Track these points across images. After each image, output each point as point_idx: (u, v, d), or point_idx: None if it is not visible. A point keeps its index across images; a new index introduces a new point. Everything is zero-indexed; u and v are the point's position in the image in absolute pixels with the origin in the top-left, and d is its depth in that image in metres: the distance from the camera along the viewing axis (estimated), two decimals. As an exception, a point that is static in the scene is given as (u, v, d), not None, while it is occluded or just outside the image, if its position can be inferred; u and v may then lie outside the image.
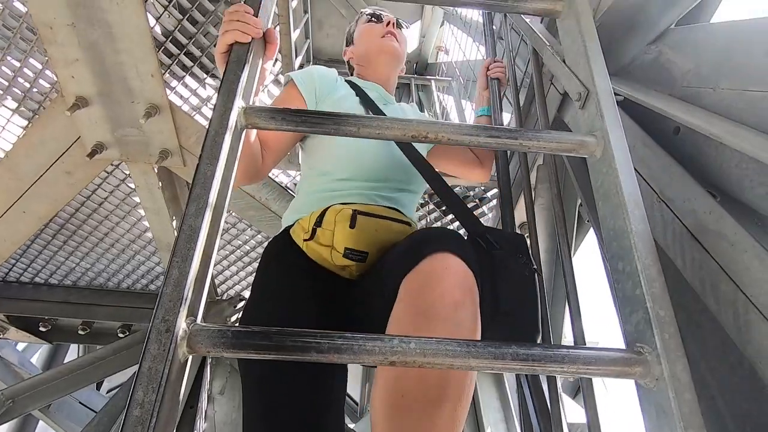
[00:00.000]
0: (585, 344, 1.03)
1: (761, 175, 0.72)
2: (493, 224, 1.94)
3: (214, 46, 1.54)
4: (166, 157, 1.49)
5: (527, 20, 1.25)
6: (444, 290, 0.69)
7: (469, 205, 1.94)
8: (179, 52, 1.51)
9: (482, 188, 1.88)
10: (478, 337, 0.72)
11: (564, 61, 0.97)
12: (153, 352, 0.55)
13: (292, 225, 0.97)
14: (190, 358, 0.61)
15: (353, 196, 0.98)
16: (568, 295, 1.06)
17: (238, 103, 0.78)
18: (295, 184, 1.77)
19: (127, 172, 1.86)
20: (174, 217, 1.81)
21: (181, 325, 0.58)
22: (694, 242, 0.79)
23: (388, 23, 1.22)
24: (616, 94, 1.02)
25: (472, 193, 1.91)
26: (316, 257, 0.90)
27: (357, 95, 1.10)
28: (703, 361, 0.83)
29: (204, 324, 0.60)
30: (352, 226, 0.88)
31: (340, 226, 0.88)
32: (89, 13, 1.19)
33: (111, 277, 2.40)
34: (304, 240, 0.91)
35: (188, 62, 1.54)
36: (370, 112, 1.08)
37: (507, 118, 1.69)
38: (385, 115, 1.10)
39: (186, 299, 0.60)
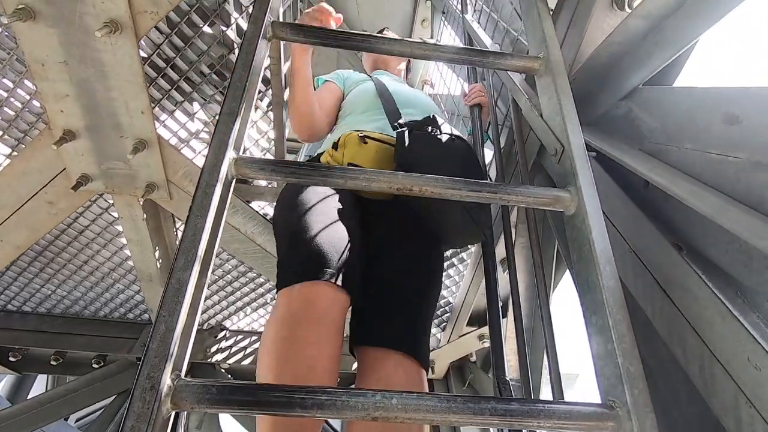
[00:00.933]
0: (561, 387, 1.05)
1: (721, 233, 0.77)
2: (475, 258, 1.98)
3: (205, 81, 1.57)
4: (153, 191, 1.49)
5: (508, 72, 1.32)
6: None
7: (453, 240, 1.98)
8: (170, 87, 1.53)
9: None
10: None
11: (541, 116, 1.02)
12: (137, 411, 0.55)
13: (321, 154, 1.28)
14: (173, 413, 0.61)
15: (362, 124, 1.31)
16: (546, 340, 1.09)
17: (230, 155, 0.80)
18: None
19: (111, 201, 1.85)
20: (157, 248, 1.80)
21: (166, 381, 0.59)
22: (663, 294, 0.83)
23: None
24: (590, 148, 1.08)
25: (455, 227, 1.95)
26: None
27: (371, 80, 1.55)
28: (675, 408, 0.86)
29: (189, 380, 0.60)
30: (357, 146, 1.18)
31: (348, 147, 1.18)
32: (82, 52, 1.21)
33: (88, 306, 2.34)
34: (327, 160, 1.21)
35: (179, 97, 1.57)
36: (386, 88, 1.47)
37: (489, 155, 1.76)
38: (389, 92, 1.46)
39: (172, 355, 0.60)
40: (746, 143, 0.76)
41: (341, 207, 1.04)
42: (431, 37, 4.00)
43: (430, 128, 1.19)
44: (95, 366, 2.36)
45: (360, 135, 1.19)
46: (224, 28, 1.42)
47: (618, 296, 0.72)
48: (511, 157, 1.55)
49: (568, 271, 1.59)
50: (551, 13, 1.24)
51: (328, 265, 0.90)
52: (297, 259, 0.93)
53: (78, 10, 1.15)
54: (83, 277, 2.17)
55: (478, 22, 1.98)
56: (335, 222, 0.99)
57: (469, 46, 1.15)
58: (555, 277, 1.55)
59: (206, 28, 1.43)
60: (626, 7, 1.10)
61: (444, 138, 1.17)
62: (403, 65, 1.90)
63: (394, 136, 1.19)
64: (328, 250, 0.92)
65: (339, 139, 1.22)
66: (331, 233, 0.96)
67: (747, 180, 0.75)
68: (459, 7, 2.40)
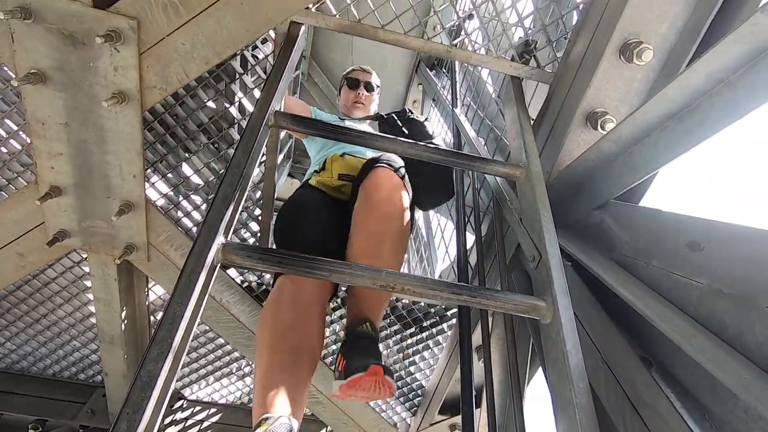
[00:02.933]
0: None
1: (686, 356, 0.80)
2: (451, 342, 1.96)
3: (202, 150, 1.62)
4: (131, 252, 1.47)
5: (491, 169, 1.41)
6: (381, 187, 1.27)
7: (429, 322, 1.97)
8: (165, 153, 1.57)
9: (443, 306, 1.93)
10: (408, 214, 1.31)
11: (521, 220, 1.08)
12: None
13: (309, 179, 1.59)
14: None
15: (339, 150, 1.65)
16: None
17: (219, 240, 0.81)
18: (260, 284, 1.76)
19: (84, 256, 1.80)
20: (125, 308, 1.73)
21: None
22: (633, 412, 0.84)
23: (358, 93, 2.02)
24: (566, 254, 1.13)
25: (432, 309, 1.95)
26: (322, 185, 1.51)
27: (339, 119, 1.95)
28: None
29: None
30: (341, 161, 1.56)
31: (335, 164, 1.56)
32: (85, 117, 1.25)
33: (36, 362, 2.18)
34: (315, 175, 1.56)
35: (173, 161, 1.60)
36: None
37: (471, 239, 1.81)
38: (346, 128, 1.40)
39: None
40: (707, 271, 0.82)
41: (318, 211, 1.37)
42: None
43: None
44: (31, 432, 2.14)
45: (340, 154, 1.59)
46: (227, 105, 1.50)
47: (590, 415, 0.73)
48: (491, 249, 1.60)
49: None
50: (532, 123, 1.36)
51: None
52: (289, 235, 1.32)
53: (89, 80, 1.20)
54: (38, 331, 2.05)
55: (466, 116, 2.14)
56: (316, 224, 1.32)
57: (458, 151, 1.24)
58: (530, 371, 1.53)
59: (210, 103, 1.51)
60: (599, 127, 1.21)
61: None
62: (372, 107, 2.14)
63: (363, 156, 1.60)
64: (314, 249, 1.23)
65: (324, 162, 1.58)
66: (312, 234, 1.29)
67: (709, 305, 0.80)
68: (449, 98, 2.59)
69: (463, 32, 1.50)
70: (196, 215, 1.72)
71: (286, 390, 0.95)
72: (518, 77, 1.36)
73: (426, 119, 1.92)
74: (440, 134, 2.11)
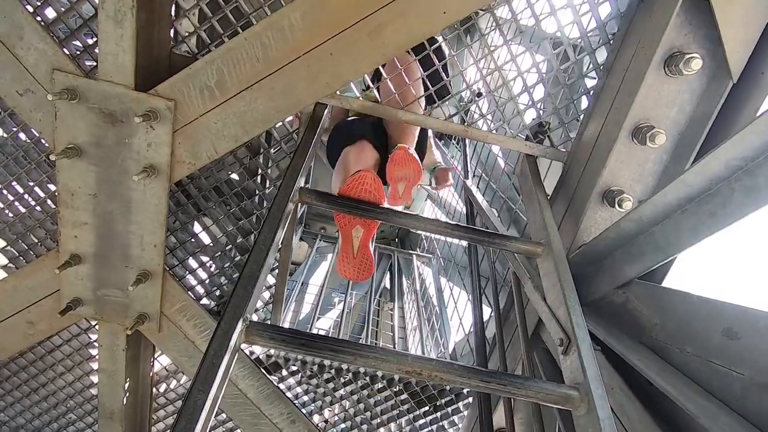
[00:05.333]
0: None
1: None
2: (468, 424, 1.84)
3: (223, 219, 1.64)
4: (143, 322, 1.44)
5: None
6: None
7: (444, 400, 1.87)
8: (186, 221, 1.59)
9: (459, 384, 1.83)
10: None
11: (545, 299, 1.06)
12: None
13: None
14: None
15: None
16: None
17: (244, 320, 0.80)
18: (269, 356, 1.70)
19: (93, 323, 1.77)
20: (128, 380, 1.66)
21: None
22: None
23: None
24: (594, 338, 1.10)
25: (448, 387, 1.86)
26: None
27: None
28: None
29: None
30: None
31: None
32: (114, 188, 1.29)
33: (28, 436, 2.06)
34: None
35: (193, 230, 1.62)
36: None
37: (487, 312, 1.76)
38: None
39: None
40: (748, 362, 0.78)
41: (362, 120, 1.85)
42: (429, 184, 4.34)
43: None
44: None
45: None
46: (249, 178, 1.54)
47: None
48: (508, 323, 1.56)
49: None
50: (548, 197, 1.38)
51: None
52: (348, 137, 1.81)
53: (122, 155, 1.25)
54: (34, 402, 1.96)
55: (477, 187, 2.18)
56: (364, 123, 1.84)
57: (478, 228, 1.25)
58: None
59: (233, 175, 1.56)
60: (616, 205, 1.23)
61: None
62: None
63: None
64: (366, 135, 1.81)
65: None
66: (363, 129, 1.82)
67: (755, 400, 0.75)
68: (459, 168, 2.66)
69: (477, 111, 1.58)
70: (201, 273, 1.71)
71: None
72: (533, 155, 1.40)
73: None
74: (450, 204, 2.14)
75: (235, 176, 1.56)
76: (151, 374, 1.75)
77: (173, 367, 1.83)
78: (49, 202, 1.62)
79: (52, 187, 1.62)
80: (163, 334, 1.50)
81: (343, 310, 2.50)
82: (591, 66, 1.36)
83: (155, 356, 1.77)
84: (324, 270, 4.04)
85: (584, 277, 1.23)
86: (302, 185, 1.17)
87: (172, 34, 1.36)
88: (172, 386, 1.87)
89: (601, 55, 1.35)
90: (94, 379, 1.87)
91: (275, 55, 1.17)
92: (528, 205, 1.32)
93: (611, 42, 1.32)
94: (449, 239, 2.90)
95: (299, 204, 1.20)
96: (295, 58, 1.17)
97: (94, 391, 1.92)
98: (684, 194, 0.95)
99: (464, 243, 2.45)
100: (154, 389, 1.80)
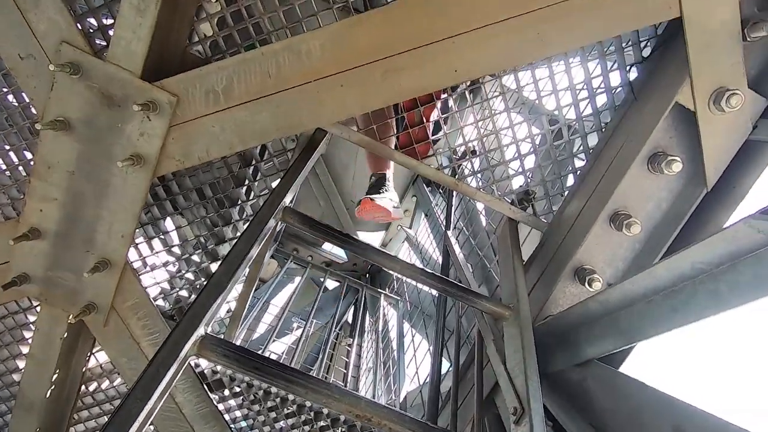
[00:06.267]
0: None
1: None
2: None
3: (196, 223, 1.61)
4: (90, 313, 1.36)
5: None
6: None
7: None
8: (160, 217, 1.55)
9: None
10: None
11: (504, 364, 1.06)
12: None
13: None
14: None
15: None
16: None
17: (200, 332, 0.77)
18: (214, 372, 1.62)
19: (35, 304, 1.66)
20: (58, 371, 1.55)
21: None
22: None
23: None
24: (546, 412, 1.09)
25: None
26: None
27: None
28: None
29: None
30: None
31: None
32: (94, 170, 1.25)
33: (-72, 414, 1.87)
34: None
35: (165, 227, 1.57)
36: None
37: (445, 366, 1.74)
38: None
39: None
40: (692, 463, 0.79)
41: None
42: (410, 227, 4.38)
43: None
44: None
45: None
46: (234, 186, 1.53)
47: None
48: (465, 380, 1.54)
49: None
50: (523, 262, 1.41)
51: None
52: None
53: (111, 139, 1.23)
54: (-54, 379, 1.79)
55: (457, 239, 2.21)
56: None
57: (453, 281, 1.25)
58: None
59: (220, 180, 1.54)
60: (586, 283, 1.26)
61: None
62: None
63: None
64: None
65: None
66: None
67: (693, 503, 0.76)
68: (442, 218, 2.70)
69: (469, 167, 1.63)
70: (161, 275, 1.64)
71: None
72: (516, 220, 1.44)
73: None
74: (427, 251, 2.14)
75: (221, 182, 1.54)
76: (84, 370, 1.64)
77: (109, 366, 1.72)
78: (21, 169, 1.55)
79: (28, 155, 1.56)
80: (108, 330, 1.42)
81: (300, 338, 2.42)
82: (581, 148, 1.43)
83: (93, 351, 1.66)
84: (288, 292, 3.95)
85: (546, 347, 1.23)
86: (287, 204, 1.17)
87: (188, 33, 1.38)
88: (103, 386, 1.75)
89: (593, 140, 1.43)
90: (20, 364, 1.74)
91: (287, 74, 1.19)
92: (503, 267, 1.34)
93: (603, 130, 1.40)
94: (420, 285, 2.89)
95: (279, 222, 1.19)
96: (305, 82, 1.19)
97: (16, 377, 1.77)
98: (651, 285, 0.99)
99: (434, 292, 2.45)
100: (83, 387, 1.68)
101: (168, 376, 0.69)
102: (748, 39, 1.12)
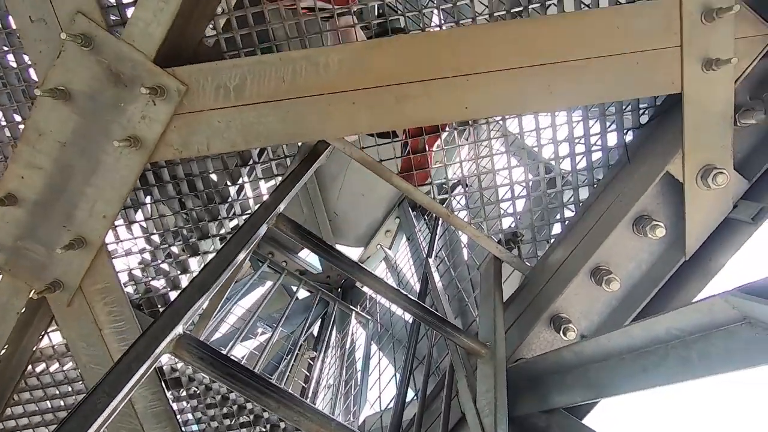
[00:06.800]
0: None
1: None
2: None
3: (180, 214, 1.57)
4: (54, 290, 1.30)
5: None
6: None
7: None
8: (148, 201, 1.51)
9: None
10: None
11: (474, 402, 1.06)
12: None
13: None
14: None
15: None
16: None
17: (178, 330, 0.74)
18: (173, 369, 1.56)
19: (-6, 272, 1.57)
20: (7, 347, 1.46)
21: None
22: None
23: None
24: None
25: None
26: None
27: None
28: None
29: None
30: None
31: None
32: (87, 145, 1.22)
33: None
34: None
35: (149, 213, 1.53)
36: None
37: (409, 394, 1.72)
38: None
39: None
40: None
41: None
42: (390, 248, 4.38)
43: None
44: None
45: None
46: (229, 183, 1.51)
47: None
48: (431, 411, 1.52)
49: None
50: (503, 301, 1.43)
51: None
52: None
53: (111, 116, 1.20)
54: None
55: (437, 268, 2.23)
56: None
57: (430, 308, 1.26)
58: None
59: (212, 175, 1.52)
60: (561, 332, 1.29)
61: None
62: None
63: None
64: None
65: None
66: None
67: None
68: (424, 244, 2.72)
69: (462, 201, 1.65)
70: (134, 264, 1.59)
71: None
72: (501, 260, 1.47)
73: None
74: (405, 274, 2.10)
75: (214, 177, 1.52)
76: (34, 348, 1.55)
77: (62, 348, 1.64)
78: (6, 131, 1.50)
79: (17, 118, 1.51)
80: (71, 311, 1.35)
81: (266, 345, 2.36)
82: (572, 199, 1.48)
83: (47, 330, 1.58)
84: (257, 295, 3.86)
85: (515, 389, 1.24)
86: (281, 211, 1.16)
87: (206, 25, 1.38)
88: (51, 369, 1.66)
89: (583, 193, 1.48)
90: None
91: (302, 83, 1.19)
92: (483, 304, 1.36)
93: (595, 185, 1.45)
94: (393, 308, 2.88)
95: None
96: (318, 93, 1.20)
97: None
98: (626, 344, 1.01)
99: (408, 317, 2.45)
100: (31, 366, 1.59)
101: (139, 372, 0.66)
102: (738, 124, 1.19)
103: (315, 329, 3.66)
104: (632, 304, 1.31)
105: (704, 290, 1.25)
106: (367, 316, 3.29)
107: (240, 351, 2.71)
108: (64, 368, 1.65)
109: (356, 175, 4.29)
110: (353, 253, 4.66)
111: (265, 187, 1.60)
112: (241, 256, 0.94)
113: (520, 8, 1.32)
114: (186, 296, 0.77)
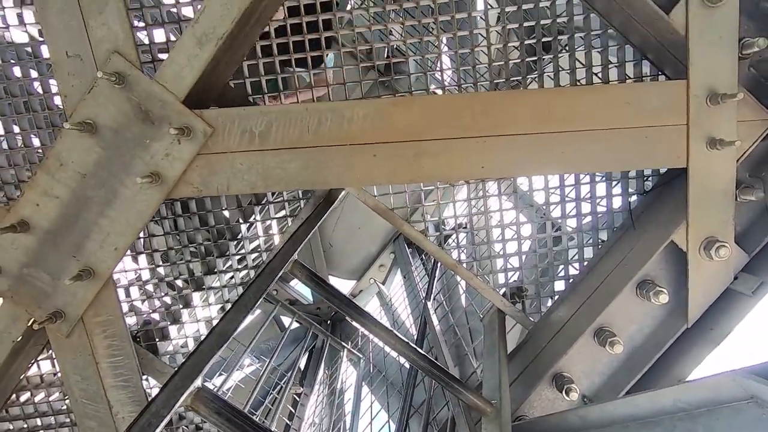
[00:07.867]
0: None
1: None
2: None
3: (186, 246, 1.57)
4: (55, 320, 1.28)
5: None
6: None
7: None
8: (163, 232, 1.51)
9: None
10: None
11: (479, 464, 1.04)
12: None
13: None
14: None
15: None
16: None
17: (197, 383, 0.74)
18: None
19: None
20: (-7, 374, 1.42)
21: None
22: None
23: None
24: None
25: None
26: None
27: None
28: None
29: None
30: None
31: None
32: (107, 178, 1.23)
33: None
34: None
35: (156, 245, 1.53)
36: None
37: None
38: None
39: None
40: None
41: None
42: (383, 283, 4.36)
43: None
44: None
45: None
46: (240, 221, 1.52)
47: None
48: (424, 465, 1.50)
49: None
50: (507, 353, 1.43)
51: None
52: None
53: (135, 152, 1.22)
54: None
55: (435, 311, 2.22)
56: None
57: (433, 359, 1.26)
58: None
59: (225, 212, 1.53)
60: (563, 392, 1.29)
61: None
62: None
63: None
64: None
65: None
66: None
67: None
68: (421, 285, 2.72)
69: (468, 251, 1.68)
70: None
71: None
72: (504, 313, 1.48)
73: None
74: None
75: (226, 213, 1.53)
76: (22, 376, 1.51)
77: (51, 378, 1.58)
78: (21, 155, 1.51)
79: (36, 143, 1.52)
80: (69, 342, 1.32)
81: (258, 382, 2.31)
82: (577, 257, 1.51)
83: (40, 358, 1.54)
84: (245, 323, 3.79)
85: (516, 449, 1.23)
86: (295, 258, 1.17)
87: (234, 69, 1.42)
88: (36, 399, 1.60)
89: (588, 253, 1.52)
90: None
91: (326, 133, 1.23)
92: (487, 358, 1.36)
93: (599, 246, 1.49)
94: (387, 348, 2.85)
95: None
96: (341, 144, 1.24)
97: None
98: (631, 412, 1.02)
99: (401, 359, 2.42)
100: (15, 396, 1.53)
101: (159, 428, 0.66)
102: (738, 199, 1.25)
103: (301, 363, 3.58)
104: (634, 367, 1.33)
105: (705, 359, 1.27)
106: (359, 354, 3.23)
107: (220, 380, 2.64)
108: (50, 399, 1.60)
109: (354, 208, 4.32)
110: (346, 286, 4.63)
111: (274, 223, 1.61)
112: (259, 301, 0.95)
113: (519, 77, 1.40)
114: (206, 347, 0.77)
